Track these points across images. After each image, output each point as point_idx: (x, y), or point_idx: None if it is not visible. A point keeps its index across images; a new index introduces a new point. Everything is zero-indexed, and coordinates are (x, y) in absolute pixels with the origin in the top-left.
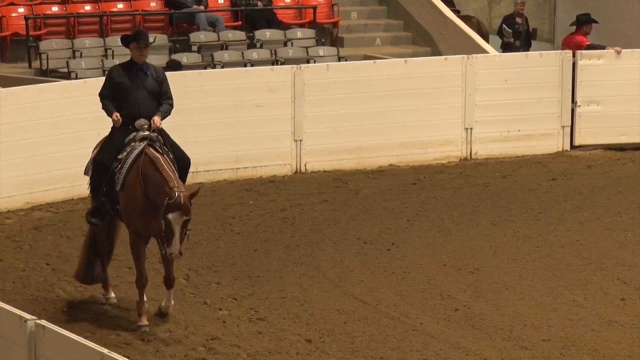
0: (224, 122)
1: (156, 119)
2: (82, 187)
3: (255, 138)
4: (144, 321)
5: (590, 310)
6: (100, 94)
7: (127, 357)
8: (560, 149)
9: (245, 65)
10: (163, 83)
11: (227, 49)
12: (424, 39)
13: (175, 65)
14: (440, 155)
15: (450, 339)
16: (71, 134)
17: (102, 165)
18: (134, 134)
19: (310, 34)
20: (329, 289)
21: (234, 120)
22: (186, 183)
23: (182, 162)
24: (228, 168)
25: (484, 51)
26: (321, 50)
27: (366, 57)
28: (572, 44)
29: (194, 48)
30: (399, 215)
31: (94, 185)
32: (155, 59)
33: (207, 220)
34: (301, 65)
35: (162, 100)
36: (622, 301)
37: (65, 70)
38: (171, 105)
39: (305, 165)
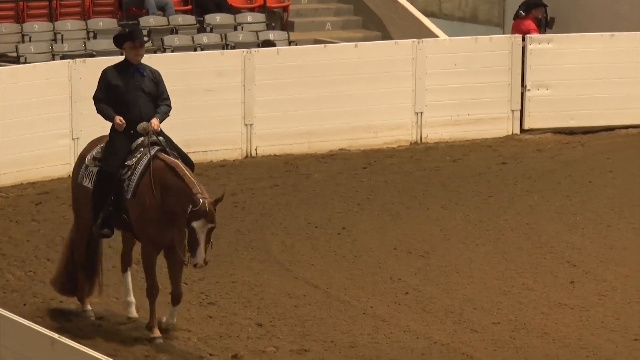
0: (174, 106)
1: (154, 121)
2: (31, 171)
3: (205, 122)
4: (157, 333)
5: (539, 293)
6: (94, 97)
7: (78, 342)
8: (510, 133)
9: (195, 50)
10: (159, 84)
11: (177, 33)
12: (374, 23)
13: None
14: (391, 140)
15: (401, 322)
16: (20, 119)
17: (107, 174)
18: (140, 138)
19: (261, 18)
20: (279, 273)
21: (184, 105)
22: None
23: (188, 166)
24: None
25: (434, 35)
26: (272, 35)
27: (317, 42)
28: (521, 29)
29: (144, 32)
30: (349, 200)
31: (99, 195)
32: (106, 44)
33: None
34: (251, 49)
35: (159, 102)
36: (571, 284)
37: (15, 54)
38: (169, 107)
39: (255, 149)
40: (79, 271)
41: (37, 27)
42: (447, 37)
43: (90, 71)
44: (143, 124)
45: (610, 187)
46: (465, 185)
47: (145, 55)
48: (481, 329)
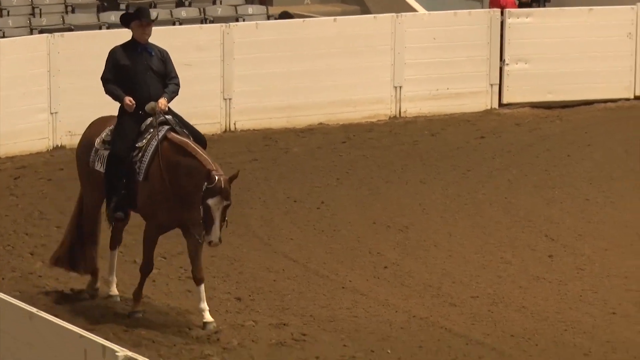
0: None
1: (162, 101)
2: (9, 146)
3: (184, 97)
4: (138, 307)
5: (518, 267)
6: (102, 78)
7: (56, 316)
8: (489, 107)
9: (174, 24)
10: (167, 63)
11: (155, 7)
12: None
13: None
14: (370, 114)
15: (380, 296)
16: None
17: (119, 157)
18: (149, 119)
19: None
20: (258, 247)
21: None
22: None
23: (200, 143)
24: None
25: (413, 9)
26: (250, 9)
27: (296, 16)
28: (498, 3)
29: (122, 7)
30: (328, 174)
31: (111, 179)
32: (84, 18)
33: None
34: (230, 23)
35: (167, 81)
36: (549, 258)
37: None
38: (178, 85)
39: (234, 124)
40: (88, 249)
41: (15, 1)
42: (426, 12)
43: (68, 45)
44: (151, 104)
45: (588, 161)
46: (444, 159)
47: (122, 30)
48: (460, 302)
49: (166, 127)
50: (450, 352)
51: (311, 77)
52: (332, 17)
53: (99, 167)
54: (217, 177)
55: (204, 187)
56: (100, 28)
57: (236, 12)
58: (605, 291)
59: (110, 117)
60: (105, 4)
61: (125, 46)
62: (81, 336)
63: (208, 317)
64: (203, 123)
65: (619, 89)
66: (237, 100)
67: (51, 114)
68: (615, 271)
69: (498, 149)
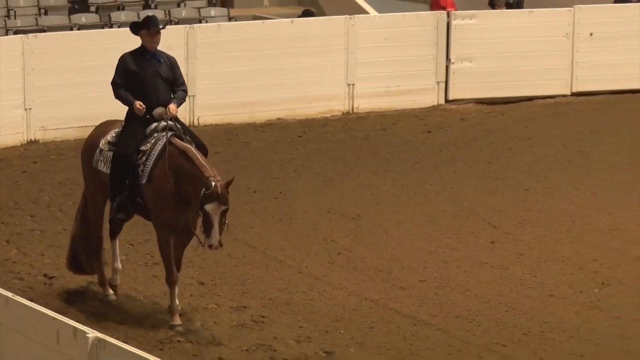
0: None
1: (172, 106)
2: None
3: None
4: (177, 320)
5: (462, 253)
6: (113, 83)
7: (31, 300)
8: (436, 103)
9: None
10: (175, 69)
11: (123, 9)
12: (309, 0)
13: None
14: (325, 110)
15: (334, 280)
16: None
17: (123, 158)
18: (154, 124)
19: None
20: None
21: None
22: None
23: (202, 150)
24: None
25: (365, 12)
26: (213, 11)
27: (255, 18)
28: (438, 4)
29: (92, 9)
30: (286, 166)
31: (115, 180)
32: (57, 20)
33: None
34: (194, 25)
35: (175, 87)
36: (492, 244)
37: None
38: (185, 92)
39: (198, 119)
40: (93, 253)
41: None
42: (377, 14)
43: (41, 45)
44: (160, 109)
45: (528, 154)
46: (394, 152)
47: (95, 31)
48: (408, 286)
49: (170, 132)
50: (399, 332)
51: (270, 75)
52: (290, 19)
53: (103, 167)
54: (213, 183)
55: (201, 193)
56: (71, 29)
57: (199, 14)
58: (544, 275)
59: (115, 121)
60: (76, 6)
61: (134, 53)
62: (54, 319)
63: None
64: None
65: (557, 86)
66: (200, 97)
67: (25, 110)
68: (552, 256)
69: (444, 142)
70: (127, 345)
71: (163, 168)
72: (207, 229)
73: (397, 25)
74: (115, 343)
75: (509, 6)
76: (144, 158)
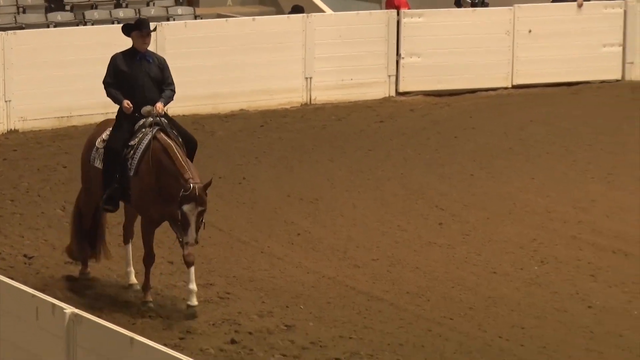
0: (95, 73)
1: (159, 105)
2: None
3: None
4: (149, 297)
5: (412, 234)
6: (104, 82)
7: (11, 279)
8: (387, 95)
9: (112, 23)
10: (165, 70)
11: (96, 8)
12: (269, 0)
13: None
14: (285, 101)
15: (294, 259)
16: None
17: (113, 152)
18: (143, 120)
19: None
20: None
21: (104, 70)
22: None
23: (190, 144)
24: (99, 113)
25: (321, 10)
26: (179, 10)
27: (219, 16)
28: (393, 4)
29: (67, 8)
30: (249, 154)
31: (106, 172)
32: (34, 18)
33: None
34: (162, 22)
35: (164, 87)
36: (439, 225)
37: None
38: (173, 91)
39: (167, 108)
40: (86, 239)
41: None
42: (332, 12)
43: (20, 42)
44: (147, 107)
45: (472, 142)
46: (349, 141)
47: (69, 28)
48: (362, 264)
49: (156, 127)
50: (354, 307)
51: (233, 69)
52: (251, 17)
53: (98, 163)
54: (192, 185)
55: (180, 194)
56: (48, 26)
57: (167, 13)
58: (487, 254)
59: (112, 120)
60: (52, 5)
61: (125, 53)
62: (33, 296)
63: (194, 300)
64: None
65: (499, 79)
66: None
67: (5, 102)
68: (495, 236)
69: (395, 131)
70: (101, 320)
71: (147, 162)
72: (185, 227)
73: (351, 23)
74: (91, 318)
75: (474, 5)
76: (132, 152)
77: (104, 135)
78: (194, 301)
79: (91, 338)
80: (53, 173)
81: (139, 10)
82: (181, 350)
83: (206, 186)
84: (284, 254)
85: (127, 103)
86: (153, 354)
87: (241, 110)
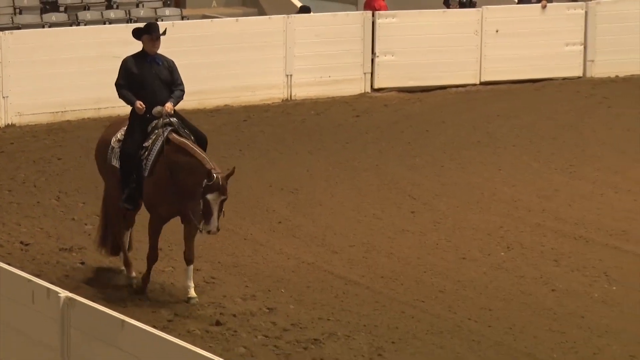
0: (88, 70)
1: (168, 105)
2: None
3: (112, 83)
4: (133, 274)
5: (387, 222)
6: (116, 84)
7: (8, 264)
8: (363, 91)
9: (104, 23)
10: (174, 71)
11: (88, 9)
12: (252, 2)
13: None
14: (266, 97)
15: (275, 246)
16: None
17: (128, 154)
18: (155, 121)
19: None
20: None
21: (96, 68)
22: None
23: (200, 141)
24: (91, 108)
25: None
26: (167, 11)
27: (205, 17)
28: (372, 6)
29: (61, 9)
30: (232, 147)
31: (124, 173)
32: (30, 18)
33: (74, 151)
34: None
35: (173, 87)
36: (412, 214)
37: None
38: (182, 92)
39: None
40: (119, 237)
41: None
42: (311, 13)
43: (17, 41)
44: (158, 108)
45: (443, 135)
46: (327, 134)
47: (64, 28)
48: (340, 250)
49: (169, 128)
50: (332, 290)
51: (218, 67)
52: (235, 18)
53: (115, 162)
54: (215, 175)
55: (204, 184)
56: (43, 27)
57: (155, 14)
58: (457, 240)
59: (125, 119)
60: (47, 6)
61: (136, 56)
62: (29, 281)
63: (192, 293)
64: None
65: (467, 76)
66: None
67: (3, 98)
68: (465, 224)
69: (370, 125)
70: (94, 303)
71: (162, 163)
72: (207, 216)
73: (329, 24)
74: (84, 302)
75: (462, 5)
76: (146, 153)
77: (119, 135)
78: (193, 293)
79: (84, 320)
80: (48, 165)
81: (129, 11)
82: (169, 332)
83: (228, 176)
84: (266, 240)
85: (139, 104)
86: (143, 335)
87: (225, 105)
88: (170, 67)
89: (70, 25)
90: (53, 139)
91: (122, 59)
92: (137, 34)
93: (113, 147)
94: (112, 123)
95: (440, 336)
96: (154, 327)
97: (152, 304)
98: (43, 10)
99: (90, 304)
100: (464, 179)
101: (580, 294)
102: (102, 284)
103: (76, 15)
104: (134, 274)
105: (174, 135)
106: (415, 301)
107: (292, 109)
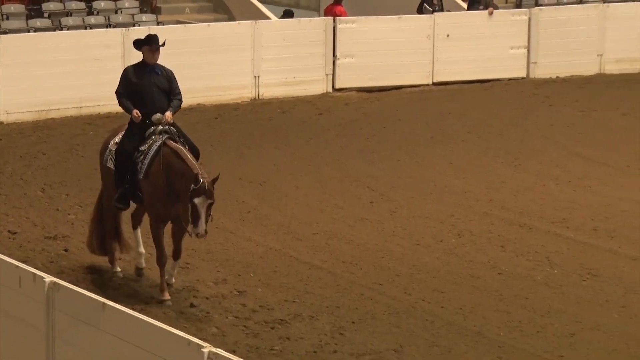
0: (70, 71)
1: (168, 114)
2: None
3: (93, 83)
4: (167, 296)
5: (347, 211)
6: (117, 92)
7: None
8: (325, 91)
9: (85, 28)
10: (172, 81)
11: (71, 15)
12: (222, 8)
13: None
14: (236, 97)
15: (245, 234)
16: None
17: (125, 155)
18: (152, 127)
19: (135, 4)
20: None
21: (78, 70)
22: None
23: (193, 152)
24: (74, 106)
25: (267, 17)
26: (144, 17)
27: (179, 22)
28: (334, 12)
29: (45, 15)
30: (205, 142)
31: (118, 174)
32: (17, 24)
33: (58, 146)
34: (129, 28)
35: (172, 97)
36: (370, 204)
37: None
38: (180, 101)
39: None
40: (108, 236)
41: None
42: (277, 19)
43: (4, 45)
44: (157, 115)
45: (399, 132)
46: (292, 131)
47: (48, 33)
48: (304, 238)
49: (166, 135)
50: (297, 274)
51: (191, 68)
52: (207, 23)
53: (110, 164)
54: (202, 180)
55: (191, 188)
56: (28, 31)
57: (133, 20)
58: (412, 228)
59: (124, 125)
60: (32, 13)
61: (136, 66)
62: (17, 266)
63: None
64: (109, 104)
65: (421, 77)
66: None
67: None
68: (419, 213)
69: (332, 123)
70: (77, 287)
71: (157, 166)
72: (195, 219)
73: (294, 29)
74: (68, 286)
75: (435, 12)
76: (142, 156)
77: (117, 139)
78: (172, 280)
79: (68, 303)
80: (34, 159)
81: (108, 17)
82: (147, 314)
83: (214, 181)
84: (236, 229)
85: (136, 112)
86: (122, 317)
87: (198, 104)
88: (169, 77)
89: (54, 30)
90: (38, 136)
91: (101, 61)
92: (137, 45)
93: (110, 150)
94: (115, 128)
95: (396, 316)
96: (133, 309)
97: (131, 288)
98: (28, 16)
99: (73, 288)
100: (418, 172)
101: (524, 277)
102: (84, 270)
103: (59, 20)
104: (118, 269)
105: (170, 142)
106: (373, 284)
107: (260, 107)
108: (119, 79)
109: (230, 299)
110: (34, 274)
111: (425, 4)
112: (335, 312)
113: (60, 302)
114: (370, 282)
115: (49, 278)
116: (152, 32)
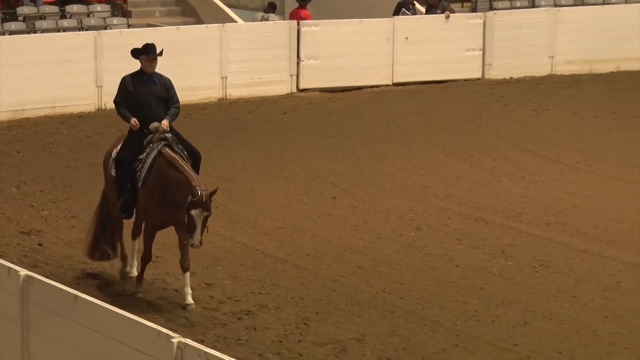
0: (44, 73)
1: (165, 122)
2: None
3: (66, 84)
4: (139, 288)
5: (311, 206)
6: (115, 101)
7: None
8: (289, 92)
9: (58, 31)
10: (170, 89)
11: (45, 19)
12: (190, 12)
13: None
14: (204, 97)
15: (213, 228)
16: None
17: (123, 164)
18: (150, 135)
19: (107, 7)
20: None
21: (51, 71)
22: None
23: (194, 156)
24: (48, 106)
25: (234, 21)
26: (115, 20)
27: (149, 25)
28: (299, 16)
29: (20, 18)
30: None
31: (119, 183)
32: None
33: (32, 145)
34: (100, 30)
35: (170, 105)
36: (333, 199)
37: None
38: (178, 109)
39: (105, 104)
40: (115, 239)
41: None
42: (244, 22)
43: None
44: (155, 124)
45: (360, 130)
46: (258, 129)
47: (21, 35)
48: (270, 232)
49: (163, 143)
50: (263, 267)
51: (161, 70)
52: (176, 27)
53: (113, 172)
54: (199, 192)
55: (188, 200)
56: (3, 34)
57: (105, 23)
58: (373, 222)
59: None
60: (7, 16)
61: (134, 75)
62: None
63: (189, 299)
64: (81, 103)
65: (381, 78)
66: (106, 87)
67: None
68: (380, 208)
69: (296, 121)
70: (51, 280)
71: (154, 175)
72: (191, 230)
73: (259, 32)
74: (41, 279)
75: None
76: (140, 165)
77: (119, 147)
78: (190, 300)
79: (42, 296)
80: (9, 157)
81: (80, 20)
82: (118, 305)
83: (212, 193)
84: None
85: (134, 121)
86: (94, 308)
87: None
88: (167, 85)
89: (28, 33)
90: (13, 134)
91: (73, 63)
92: (135, 54)
93: (113, 158)
94: (118, 137)
95: (358, 307)
96: (104, 301)
97: (103, 281)
98: (3, 20)
99: (47, 281)
100: (378, 168)
101: (480, 269)
102: (57, 264)
103: (33, 24)
104: (128, 269)
105: (167, 150)
106: (336, 276)
107: (227, 107)
108: (93, 81)
109: (199, 290)
110: (9, 268)
111: (403, 9)
112: (300, 303)
113: (34, 295)
114: (334, 274)
115: (23, 272)
116: (150, 42)
